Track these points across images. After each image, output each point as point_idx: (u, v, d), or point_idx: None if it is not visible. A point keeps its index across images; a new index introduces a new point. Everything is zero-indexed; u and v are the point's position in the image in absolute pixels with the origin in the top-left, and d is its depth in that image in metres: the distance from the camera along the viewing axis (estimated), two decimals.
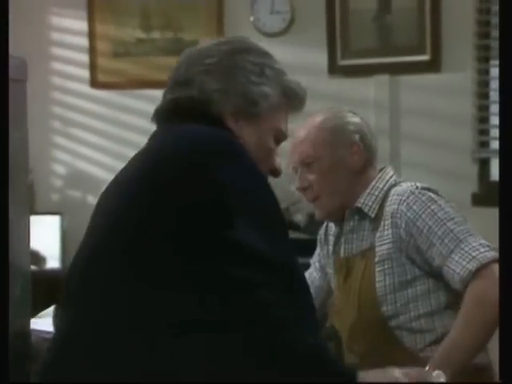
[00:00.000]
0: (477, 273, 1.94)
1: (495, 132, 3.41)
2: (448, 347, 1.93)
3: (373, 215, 2.12)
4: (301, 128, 2.21)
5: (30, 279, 1.51)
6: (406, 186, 2.11)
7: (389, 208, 2.10)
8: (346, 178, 2.16)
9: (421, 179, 2.21)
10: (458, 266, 1.96)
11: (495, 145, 3.41)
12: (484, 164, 3.41)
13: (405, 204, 2.06)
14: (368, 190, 2.14)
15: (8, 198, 1.34)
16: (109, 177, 4.46)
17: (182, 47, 3.91)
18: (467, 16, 3.34)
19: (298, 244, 3.34)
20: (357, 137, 2.17)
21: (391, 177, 2.18)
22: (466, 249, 1.96)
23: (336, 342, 2.65)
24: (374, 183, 2.16)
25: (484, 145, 3.40)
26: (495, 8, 3.35)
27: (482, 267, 1.93)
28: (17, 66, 1.51)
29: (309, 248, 3.16)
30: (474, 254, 1.95)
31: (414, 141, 3.35)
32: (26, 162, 1.54)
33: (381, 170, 2.21)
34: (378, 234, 2.11)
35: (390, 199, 2.11)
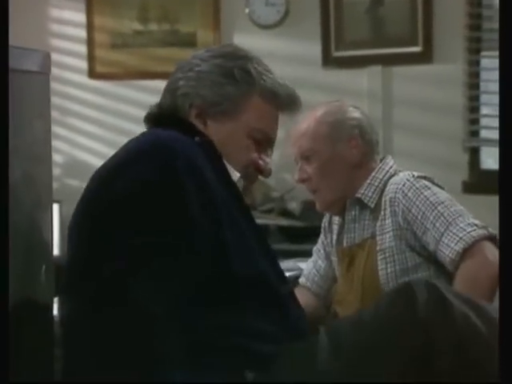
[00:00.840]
0: (464, 253, 1.95)
1: (485, 121, 3.43)
2: None
3: (372, 205, 2.13)
4: (301, 121, 2.21)
5: (53, 266, 1.53)
6: (402, 175, 2.13)
7: (387, 197, 2.11)
8: (344, 172, 2.16)
9: (413, 168, 2.22)
10: (447, 249, 1.98)
11: (485, 134, 3.42)
12: (474, 153, 3.42)
13: (401, 192, 2.07)
14: (368, 181, 2.16)
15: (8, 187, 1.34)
16: None
17: (178, 39, 3.93)
18: (458, 8, 3.34)
19: (292, 231, 3.37)
20: (356, 131, 2.18)
21: (391, 167, 2.19)
22: (454, 231, 1.98)
23: None
24: (373, 174, 2.17)
25: (474, 134, 3.40)
26: (486, 1, 3.35)
27: (469, 247, 1.95)
28: (41, 59, 1.53)
29: (303, 235, 3.18)
30: (460, 235, 1.97)
31: (406, 130, 3.35)
32: (49, 153, 1.56)
33: (381, 160, 2.22)
34: (378, 224, 2.12)
35: (387, 189, 2.12)
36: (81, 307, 1.38)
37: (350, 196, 2.16)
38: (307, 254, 2.82)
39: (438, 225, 2.00)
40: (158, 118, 1.63)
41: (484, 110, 3.44)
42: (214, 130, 1.60)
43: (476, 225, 1.98)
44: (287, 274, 2.58)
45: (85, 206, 1.47)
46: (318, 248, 2.40)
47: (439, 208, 2.02)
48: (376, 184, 2.15)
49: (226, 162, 1.58)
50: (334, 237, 2.29)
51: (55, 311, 1.53)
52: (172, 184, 1.42)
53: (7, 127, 1.29)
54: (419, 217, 2.03)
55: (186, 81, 1.60)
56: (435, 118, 3.36)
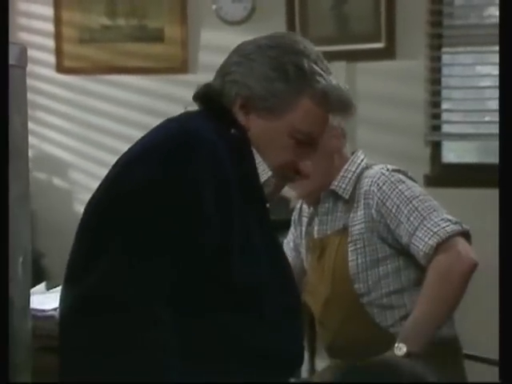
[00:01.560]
0: (438, 247, 1.96)
1: (447, 116, 3.46)
2: (414, 321, 1.94)
3: (347, 197, 2.15)
4: None
5: (30, 257, 1.50)
6: (377, 168, 2.14)
7: (361, 190, 2.13)
8: (325, 160, 2.16)
9: (376, 161, 2.24)
10: (420, 243, 1.99)
11: (447, 128, 3.45)
12: (436, 146, 3.44)
13: (375, 185, 2.08)
14: (341, 174, 2.17)
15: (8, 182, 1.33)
16: (74, 160, 4.42)
17: (146, 34, 3.90)
18: (420, 6, 3.36)
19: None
20: (335, 122, 2.18)
21: (362, 160, 2.21)
22: (429, 225, 1.99)
23: (310, 317, 2.67)
24: (346, 167, 2.18)
25: (436, 128, 3.43)
26: None
27: (443, 242, 1.96)
28: (18, 52, 1.50)
29: (272, 228, 3.17)
30: (435, 229, 1.98)
31: (369, 124, 3.36)
32: (26, 146, 1.53)
33: (352, 153, 2.22)
34: (351, 215, 2.14)
35: (362, 181, 2.14)
36: (77, 302, 1.31)
37: (327, 186, 2.17)
38: None
39: (412, 219, 2.01)
40: (203, 98, 1.54)
41: (445, 105, 3.47)
42: (256, 124, 1.50)
43: (450, 220, 2.00)
44: None
45: (96, 196, 1.41)
46: (287, 241, 2.41)
47: (414, 202, 2.03)
48: (349, 176, 2.16)
49: (259, 160, 1.49)
50: (304, 229, 2.30)
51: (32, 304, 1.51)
52: (183, 184, 1.35)
53: (7, 126, 1.27)
54: (393, 210, 2.04)
55: (237, 67, 1.50)
56: (398, 112, 3.37)
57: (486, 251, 2.06)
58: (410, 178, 2.13)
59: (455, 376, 2.11)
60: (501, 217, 1.22)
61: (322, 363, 2.94)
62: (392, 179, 2.08)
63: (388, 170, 2.11)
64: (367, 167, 2.17)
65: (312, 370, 3.21)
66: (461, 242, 1.98)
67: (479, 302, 2.58)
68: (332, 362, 2.26)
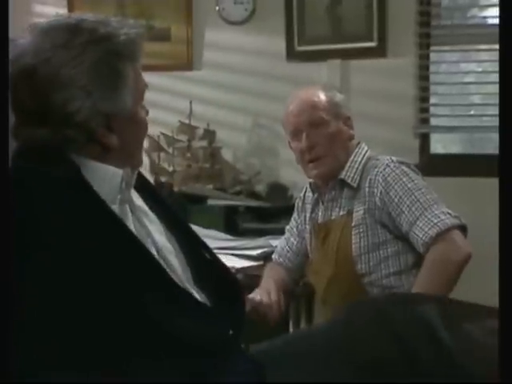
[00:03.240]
0: (437, 237, 1.99)
1: (434, 110, 3.48)
2: None
3: (355, 185, 2.18)
4: (306, 93, 2.24)
5: None
6: (382, 159, 2.18)
7: (367, 179, 2.16)
8: (342, 146, 2.20)
9: (370, 151, 2.27)
10: (421, 232, 2.02)
11: (434, 121, 3.47)
12: (424, 138, 3.46)
13: (381, 175, 2.12)
14: (348, 164, 2.21)
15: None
16: None
17: (153, 34, 3.94)
18: (409, 7, 3.37)
19: (259, 211, 3.41)
20: (349, 113, 2.24)
21: (366, 151, 2.24)
22: (429, 216, 2.02)
23: (309, 297, 2.70)
24: (352, 157, 2.22)
25: (424, 121, 3.45)
26: (434, 0, 3.40)
27: (442, 233, 1.99)
28: None
29: (269, 215, 3.22)
30: (435, 220, 2.01)
31: (362, 118, 3.38)
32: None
33: (357, 144, 2.26)
34: (355, 202, 2.17)
35: (368, 171, 2.16)
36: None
37: (338, 172, 2.20)
38: (274, 232, 2.87)
39: (413, 209, 2.04)
40: None
41: (433, 100, 3.48)
42: None
43: (449, 213, 2.03)
44: (259, 251, 2.63)
45: None
46: (290, 227, 2.44)
47: (416, 194, 2.07)
48: (356, 166, 2.20)
49: None
50: (308, 215, 2.33)
51: None
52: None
53: (7, 126, 1.27)
54: (396, 200, 2.08)
55: None
56: (389, 106, 3.40)
57: (468, 234, 2.09)
58: (414, 171, 2.16)
59: None
60: (501, 208, 1.24)
61: None
62: (397, 171, 2.11)
63: (393, 161, 2.15)
64: (371, 158, 2.21)
65: None
66: (458, 235, 2.01)
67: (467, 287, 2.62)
68: None
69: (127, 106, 1.41)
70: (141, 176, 1.59)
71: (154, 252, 1.43)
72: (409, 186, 2.08)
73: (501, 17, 1.30)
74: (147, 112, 1.52)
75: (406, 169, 2.13)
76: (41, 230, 1.25)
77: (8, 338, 1.16)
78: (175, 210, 1.66)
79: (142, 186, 1.59)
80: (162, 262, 1.43)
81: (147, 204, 1.56)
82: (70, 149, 1.38)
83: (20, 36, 1.40)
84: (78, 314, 1.24)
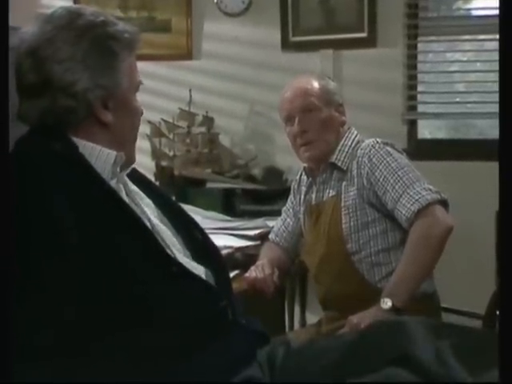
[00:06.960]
0: (419, 213, 2.00)
1: (422, 97, 3.48)
2: (397, 278, 1.97)
3: (345, 168, 2.19)
4: (300, 81, 2.24)
5: None
6: (368, 141, 2.18)
7: (354, 161, 2.16)
8: (333, 131, 2.21)
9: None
10: (404, 208, 2.03)
11: (421, 108, 3.48)
12: (412, 124, 3.47)
13: (366, 156, 2.12)
14: (339, 148, 2.21)
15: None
16: None
17: (154, 25, 3.92)
18: (398, 0, 3.38)
19: (256, 194, 3.43)
20: (340, 100, 2.24)
21: (356, 136, 2.24)
22: (411, 193, 2.03)
23: (303, 276, 2.70)
24: (343, 141, 2.22)
25: (412, 108, 3.46)
26: None
27: (423, 208, 2.00)
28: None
29: (265, 197, 3.24)
30: (416, 197, 2.02)
31: (354, 106, 3.38)
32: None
33: (347, 130, 2.26)
34: (344, 183, 2.18)
35: (356, 154, 2.16)
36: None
37: (329, 156, 2.20)
38: (271, 213, 2.89)
39: (397, 187, 2.05)
40: None
41: (420, 88, 3.49)
42: None
43: (430, 189, 2.04)
44: (256, 232, 2.65)
45: None
46: (287, 208, 2.44)
47: (399, 173, 2.07)
48: (346, 150, 2.20)
49: None
50: (302, 197, 2.34)
51: None
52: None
53: (7, 125, 1.23)
54: (381, 179, 2.08)
55: None
56: (379, 94, 3.41)
57: (453, 214, 2.10)
58: (397, 151, 2.17)
59: None
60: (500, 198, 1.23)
61: (312, 317, 3.01)
62: (381, 152, 2.11)
63: (378, 142, 2.15)
64: (359, 141, 2.22)
65: (303, 322, 3.25)
66: (439, 209, 2.01)
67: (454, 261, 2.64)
68: (325, 314, 2.30)
69: (122, 86, 1.43)
70: (136, 171, 1.59)
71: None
72: (392, 165, 2.08)
73: (500, 8, 1.28)
74: (142, 112, 1.52)
75: (389, 149, 2.13)
76: (43, 202, 1.25)
77: (8, 337, 1.13)
78: (173, 201, 1.65)
79: (139, 179, 1.58)
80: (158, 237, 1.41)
81: (144, 193, 1.55)
82: (70, 122, 1.39)
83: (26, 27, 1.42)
84: (77, 284, 1.23)
